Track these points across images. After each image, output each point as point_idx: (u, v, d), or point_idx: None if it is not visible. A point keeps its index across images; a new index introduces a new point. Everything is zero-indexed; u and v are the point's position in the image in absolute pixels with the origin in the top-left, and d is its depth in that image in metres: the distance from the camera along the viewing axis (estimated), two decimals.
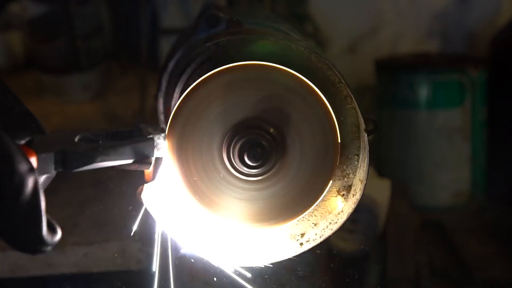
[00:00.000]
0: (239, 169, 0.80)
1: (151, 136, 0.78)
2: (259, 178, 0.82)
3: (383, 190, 1.94)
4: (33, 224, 0.65)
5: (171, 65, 1.11)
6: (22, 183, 0.63)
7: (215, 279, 0.99)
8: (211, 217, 0.84)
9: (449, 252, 1.86)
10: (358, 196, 0.86)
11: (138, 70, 2.24)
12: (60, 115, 2.27)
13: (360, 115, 0.85)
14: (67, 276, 1.51)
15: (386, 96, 2.27)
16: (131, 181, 1.69)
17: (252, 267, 0.89)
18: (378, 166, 2.26)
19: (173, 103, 0.98)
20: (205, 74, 0.81)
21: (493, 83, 2.26)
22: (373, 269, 1.67)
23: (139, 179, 0.85)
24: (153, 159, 0.79)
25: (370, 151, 0.85)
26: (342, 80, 0.84)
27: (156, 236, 1.27)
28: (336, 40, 2.58)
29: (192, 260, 0.87)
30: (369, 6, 2.65)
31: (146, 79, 2.13)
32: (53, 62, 2.35)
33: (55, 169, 0.70)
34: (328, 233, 0.87)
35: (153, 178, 0.84)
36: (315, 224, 0.87)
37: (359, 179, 0.86)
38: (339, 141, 0.83)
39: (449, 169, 2.21)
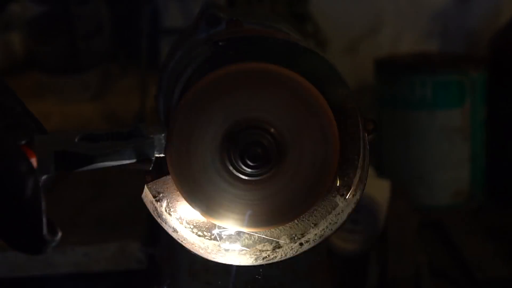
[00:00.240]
0: (240, 169, 0.80)
1: (151, 136, 0.78)
2: (260, 178, 0.82)
3: (383, 190, 1.94)
4: (33, 225, 0.65)
5: (171, 65, 1.11)
6: (22, 184, 0.63)
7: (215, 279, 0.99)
8: (211, 217, 0.84)
9: (449, 252, 1.85)
10: (358, 196, 0.86)
11: (138, 70, 2.24)
12: (60, 115, 2.27)
13: (360, 115, 0.85)
14: (67, 276, 1.51)
15: (386, 96, 2.27)
16: (131, 181, 1.69)
17: (252, 267, 0.89)
18: (378, 166, 2.26)
19: (173, 103, 0.98)
20: (205, 74, 0.81)
21: (493, 83, 2.25)
22: (373, 269, 1.67)
23: (139, 179, 0.85)
24: (153, 159, 0.79)
25: (370, 151, 0.85)
26: (342, 80, 0.84)
27: (156, 236, 1.27)
28: (336, 40, 2.57)
29: (192, 259, 0.87)
30: (369, 6, 2.65)
31: (146, 79, 2.13)
32: (53, 62, 2.35)
33: (55, 169, 0.70)
34: (328, 233, 0.87)
35: (153, 178, 0.84)
36: (315, 224, 0.88)
37: (359, 179, 0.86)
38: (339, 141, 0.83)
39: (449, 169, 2.21)
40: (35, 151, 0.68)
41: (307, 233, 0.88)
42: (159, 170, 0.83)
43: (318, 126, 0.81)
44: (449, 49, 2.66)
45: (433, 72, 2.16)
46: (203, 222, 0.86)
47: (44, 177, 0.70)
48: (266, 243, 0.88)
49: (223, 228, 0.86)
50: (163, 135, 0.79)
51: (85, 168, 0.72)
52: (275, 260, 0.87)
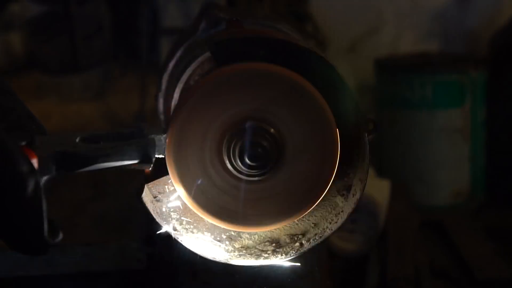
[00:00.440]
0: (240, 169, 0.80)
1: (151, 136, 0.78)
2: (260, 178, 0.82)
3: (383, 190, 1.94)
4: (35, 226, 0.65)
5: (171, 65, 1.11)
6: (23, 185, 0.63)
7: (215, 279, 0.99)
8: (211, 217, 0.84)
9: (449, 252, 1.85)
10: (358, 196, 0.86)
11: (138, 70, 2.25)
12: (60, 115, 2.27)
13: (360, 115, 0.85)
14: (67, 276, 1.51)
15: (386, 96, 2.27)
16: (131, 181, 1.69)
17: (252, 267, 0.89)
18: (378, 166, 2.26)
19: (173, 103, 0.98)
20: (205, 74, 0.81)
21: (493, 83, 2.25)
22: (373, 269, 1.67)
23: (139, 179, 0.85)
24: (153, 159, 0.79)
25: (370, 151, 0.85)
26: (342, 80, 0.84)
27: (156, 236, 1.26)
28: (336, 40, 2.57)
29: (192, 259, 0.87)
30: (369, 6, 2.65)
31: (146, 79, 2.13)
32: (53, 62, 2.36)
33: (56, 170, 0.70)
34: (328, 233, 0.87)
35: (153, 178, 0.84)
36: (315, 224, 0.88)
37: (359, 179, 0.86)
38: (339, 141, 0.83)
39: (449, 169, 2.21)
40: (36, 152, 0.68)
41: (307, 233, 0.88)
42: (159, 170, 0.83)
43: (318, 126, 0.81)
44: (449, 49, 2.66)
45: (433, 72, 2.16)
46: (203, 222, 0.86)
47: (45, 177, 0.70)
48: (266, 243, 0.88)
49: (223, 228, 0.86)
50: (163, 135, 0.79)
51: (86, 169, 0.72)
52: (276, 260, 0.87)
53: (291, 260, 0.87)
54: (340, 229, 0.87)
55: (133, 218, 1.51)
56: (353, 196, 0.86)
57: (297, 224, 0.87)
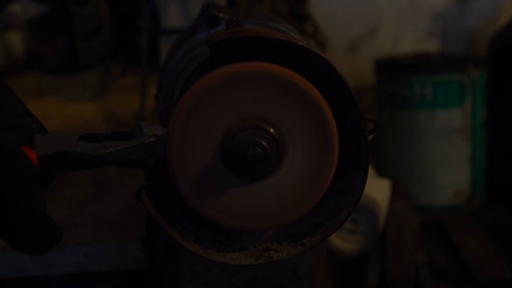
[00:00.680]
0: (239, 169, 0.80)
1: (152, 135, 0.78)
2: (259, 178, 0.82)
3: (383, 190, 1.94)
4: (35, 225, 0.65)
5: (171, 65, 1.11)
6: (24, 184, 0.63)
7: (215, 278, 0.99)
8: (211, 217, 0.84)
9: (449, 252, 1.85)
10: (358, 196, 0.86)
11: (138, 70, 2.24)
12: (60, 115, 2.27)
13: (360, 115, 0.85)
14: (67, 276, 1.51)
15: (386, 96, 2.27)
16: (131, 181, 1.69)
17: (253, 267, 0.89)
18: (378, 166, 2.26)
19: (173, 103, 0.98)
20: (205, 74, 0.81)
21: (493, 83, 2.25)
22: (373, 269, 1.67)
23: (139, 179, 0.85)
24: (153, 159, 0.79)
25: (370, 151, 0.85)
26: (342, 80, 0.84)
27: (156, 236, 1.27)
28: (336, 40, 2.58)
29: (192, 259, 0.87)
30: (369, 6, 2.65)
31: (146, 79, 2.13)
32: (53, 62, 2.36)
33: (56, 169, 0.70)
34: (328, 233, 0.87)
35: (153, 177, 0.84)
36: (315, 224, 0.88)
37: (359, 179, 0.86)
38: (339, 141, 0.83)
39: (449, 169, 2.21)
40: (36, 151, 0.68)
41: (307, 233, 0.88)
42: (159, 170, 0.83)
43: (318, 126, 0.81)
44: (449, 49, 2.66)
45: (433, 72, 2.16)
46: (203, 222, 0.86)
47: (44, 177, 0.70)
48: (266, 243, 0.88)
49: (223, 228, 0.86)
50: (163, 134, 0.80)
51: (86, 169, 0.73)
52: (276, 260, 0.87)
53: (290, 260, 0.88)
54: (340, 229, 0.87)
55: (133, 218, 1.50)
56: (353, 196, 0.86)
57: (297, 224, 0.87)
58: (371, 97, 2.52)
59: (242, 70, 0.80)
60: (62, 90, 2.37)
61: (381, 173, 2.18)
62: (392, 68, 2.24)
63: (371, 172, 0.87)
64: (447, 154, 2.20)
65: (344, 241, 1.84)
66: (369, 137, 0.85)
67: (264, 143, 0.79)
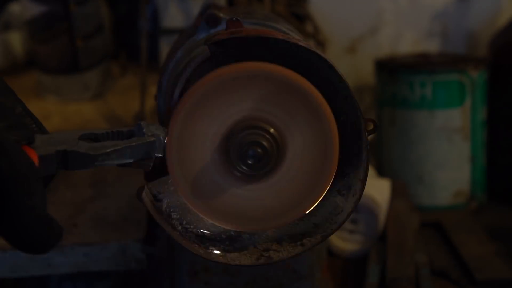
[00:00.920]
0: (239, 169, 0.80)
1: (151, 135, 0.78)
2: (259, 178, 0.82)
3: (383, 190, 1.94)
4: (36, 224, 0.65)
5: (171, 65, 1.11)
6: (24, 183, 0.63)
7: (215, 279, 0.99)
8: (211, 217, 0.84)
9: (449, 252, 1.85)
10: (358, 196, 0.86)
11: (138, 70, 2.24)
12: (60, 115, 2.27)
13: (360, 115, 0.85)
14: (67, 276, 1.51)
15: (386, 96, 2.27)
16: (131, 181, 1.69)
17: (252, 267, 0.89)
18: (378, 166, 2.26)
19: (173, 103, 0.99)
20: (205, 74, 0.81)
21: (493, 83, 2.25)
22: (373, 269, 1.67)
23: (139, 179, 0.85)
24: (153, 158, 0.79)
25: (370, 151, 0.85)
26: (342, 80, 0.84)
27: (156, 236, 1.27)
28: (336, 40, 2.57)
29: (192, 259, 0.87)
30: (369, 6, 2.64)
31: (146, 79, 2.13)
32: (53, 62, 2.35)
33: (57, 169, 0.71)
34: (328, 233, 0.87)
35: (153, 178, 0.84)
36: (315, 224, 0.88)
37: (359, 179, 0.86)
38: (339, 141, 0.83)
39: (449, 169, 2.21)
40: (37, 150, 0.68)
41: (307, 233, 0.88)
42: (159, 170, 0.83)
43: (318, 126, 0.81)
44: (449, 49, 2.66)
45: (433, 72, 2.16)
46: (203, 222, 0.86)
47: (45, 176, 0.70)
48: (266, 243, 0.88)
49: (223, 228, 0.86)
50: (163, 134, 0.80)
51: (86, 168, 0.73)
52: (276, 260, 0.87)
53: (290, 260, 0.88)
54: (340, 229, 0.87)
55: (133, 218, 1.50)
56: (353, 196, 0.86)
57: (297, 224, 0.88)
58: (371, 97, 2.52)
59: (242, 70, 0.80)
60: (62, 90, 2.37)
61: (381, 173, 2.18)
62: (392, 68, 2.24)
63: (371, 172, 0.87)
64: (447, 154, 2.20)
65: (344, 241, 1.84)
66: (369, 137, 0.85)
67: (264, 143, 0.79)
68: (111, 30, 2.57)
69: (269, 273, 1.30)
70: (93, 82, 2.39)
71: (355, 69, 2.61)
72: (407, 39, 2.68)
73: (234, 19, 0.89)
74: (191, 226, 0.86)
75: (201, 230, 0.87)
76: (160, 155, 0.80)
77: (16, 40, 2.61)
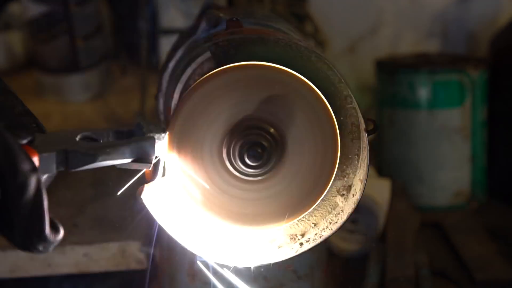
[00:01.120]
0: (239, 169, 0.80)
1: (151, 135, 0.78)
2: (259, 178, 0.82)
3: (383, 190, 1.94)
4: (36, 223, 0.65)
5: (171, 65, 1.11)
6: (25, 183, 0.63)
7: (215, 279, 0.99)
8: (211, 217, 0.84)
9: (449, 252, 1.85)
10: (358, 196, 0.86)
11: (138, 70, 2.24)
12: (60, 115, 2.27)
13: (360, 115, 0.85)
14: (67, 276, 1.51)
15: (386, 96, 2.27)
16: (131, 180, 1.68)
17: (252, 267, 0.89)
18: (378, 166, 2.26)
19: (173, 103, 0.98)
20: (205, 74, 0.81)
21: (493, 83, 2.25)
22: (373, 269, 1.67)
23: (139, 179, 0.85)
24: (153, 158, 0.79)
25: (370, 151, 0.85)
26: (342, 80, 0.84)
27: (155, 235, 1.26)
28: (336, 40, 2.57)
29: (192, 259, 0.87)
30: (369, 6, 2.65)
31: (146, 79, 2.13)
32: (53, 62, 2.35)
33: (57, 168, 0.70)
34: (328, 233, 0.87)
35: (153, 178, 0.84)
36: (315, 224, 0.88)
37: (359, 179, 0.86)
38: (339, 141, 0.83)
39: (449, 169, 2.21)
40: (37, 150, 0.68)
41: (307, 233, 0.88)
42: (159, 170, 0.83)
43: (318, 126, 0.81)
44: (449, 49, 2.66)
45: (433, 72, 2.16)
46: (203, 221, 0.86)
47: (45, 176, 0.70)
48: (266, 243, 0.88)
49: (223, 228, 0.86)
50: (163, 134, 0.79)
51: (86, 168, 0.73)
52: (276, 260, 0.87)
53: (290, 260, 0.88)
54: (340, 229, 0.87)
55: (133, 218, 1.51)
56: (353, 196, 0.86)
57: (297, 224, 0.87)
58: (371, 97, 2.52)
59: (242, 70, 0.80)
60: (62, 90, 2.37)
61: (381, 173, 2.18)
62: (392, 68, 2.24)
63: (371, 172, 0.87)
64: (447, 154, 2.20)
65: (344, 241, 1.84)
66: (369, 137, 0.85)
67: (265, 143, 0.79)
68: (111, 30, 2.57)
69: (269, 273, 1.30)
70: (93, 82, 2.39)
71: (355, 69, 2.61)
72: (407, 39, 2.68)
73: (234, 19, 0.89)
74: (191, 226, 0.86)
75: (201, 230, 0.87)
76: (160, 154, 0.80)
77: (16, 40, 2.61)
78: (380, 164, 2.28)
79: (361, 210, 1.82)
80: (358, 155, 0.86)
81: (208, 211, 0.83)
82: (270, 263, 0.87)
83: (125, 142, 0.75)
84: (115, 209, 1.57)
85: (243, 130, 0.80)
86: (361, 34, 2.67)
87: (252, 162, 0.79)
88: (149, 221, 1.40)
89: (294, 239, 0.88)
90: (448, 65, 2.19)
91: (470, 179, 2.22)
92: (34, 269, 1.42)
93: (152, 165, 0.79)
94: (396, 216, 1.90)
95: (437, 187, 2.20)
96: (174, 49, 1.18)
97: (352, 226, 1.84)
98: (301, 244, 0.87)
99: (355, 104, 0.85)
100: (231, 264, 0.87)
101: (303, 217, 0.86)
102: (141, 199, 0.84)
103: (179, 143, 0.80)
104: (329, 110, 0.81)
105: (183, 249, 0.87)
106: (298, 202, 0.83)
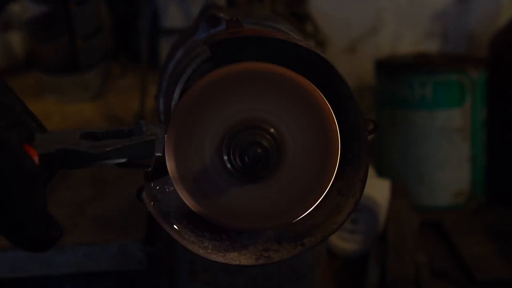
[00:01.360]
0: (239, 169, 0.80)
1: (151, 134, 0.78)
2: (260, 178, 0.82)
3: (383, 190, 1.94)
4: (37, 222, 0.65)
5: (171, 65, 1.11)
6: (25, 182, 0.63)
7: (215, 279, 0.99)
8: (211, 217, 0.84)
9: (449, 252, 1.86)
10: (358, 196, 0.86)
11: (138, 70, 2.24)
12: (60, 115, 2.27)
13: (360, 115, 0.85)
14: (67, 276, 1.51)
15: (386, 96, 2.27)
16: (131, 181, 1.69)
17: (252, 267, 0.89)
18: (378, 166, 2.26)
19: (173, 103, 0.98)
20: (205, 74, 0.81)
21: (493, 83, 2.25)
22: (373, 269, 1.67)
23: (139, 179, 0.85)
24: (153, 158, 0.79)
25: (370, 151, 0.85)
26: (342, 80, 0.84)
27: (156, 236, 1.27)
28: (336, 40, 2.58)
29: (192, 259, 0.87)
30: (369, 6, 2.65)
31: (146, 79, 2.13)
32: (53, 62, 2.35)
33: (57, 167, 0.71)
34: (328, 233, 0.87)
35: (153, 178, 0.84)
36: (315, 224, 0.88)
37: (359, 179, 0.86)
38: (339, 141, 0.83)
39: (449, 169, 2.21)
40: (37, 149, 0.68)
41: (307, 233, 0.88)
42: (159, 170, 0.83)
43: (318, 126, 0.81)
44: (449, 49, 2.66)
45: (433, 72, 2.17)
46: (204, 222, 0.86)
47: (45, 175, 0.70)
48: (266, 243, 0.88)
49: (224, 228, 0.86)
50: (163, 133, 0.79)
51: (86, 166, 0.73)
52: (276, 260, 0.87)
53: (290, 260, 0.87)
54: (340, 229, 0.87)
55: (133, 218, 1.51)
56: (353, 196, 0.86)
57: (297, 224, 0.87)
58: (371, 97, 2.52)
59: (242, 70, 0.80)
60: (62, 90, 2.37)
61: (381, 173, 2.18)
62: (392, 68, 2.24)
63: (371, 172, 0.87)
64: (447, 154, 2.20)
65: (344, 241, 1.84)
66: (369, 137, 0.85)
67: (265, 143, 0.79)
68: (111, 30, 2.56)
69: (269, 273, 1.30)
70: (93, 82, 2.39)
71: (355, 69, 2.61)
72: (407, 39, 2.68)
73: (234, 19, 0.89)
74: (191, 226, 0.86)
75: (201, 230, 0.87)
76: (159, 154, 0.80)
77: (16, 40, 2.61)
78: (380, 164, 2.28)
79: (361, 210, 1.82)
80: (358, 155, 0.86)
81: (208, 211, 0.83)
82: (270, 263, 0.87)
83: (125, 141, 0.75)
84: (115, 209, 1.57)
85: (243, 130, 0.80)
86: (361, 34, 2.67)
87: (252, 162, 0.79)
88: (149, 220, 1.40)
89: (294, 239, 0.88)
90: (448, 65, 2.19)
91: (470, 179, 2.22)
92: (34, 269, 1.42)
93: (151, 165, 0.79)
94: (396, 216, 1.90)
95: (437, 187, 2.20)
96: (174, 49, 1.18)
97: (352, 226, 1.84)
98: (301, 244, 0.87)
99: (355, 104, 0.85)
100: (231, 264, 0.87)
101: (303, 217, 0.86)
102: (141, 199, 0.84)
103: (178, 143, 0.80)
104: (329, 110, 0.81)
105: (183, 249, 0.87)
106: (299, 202, 0.83)
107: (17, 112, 0.73)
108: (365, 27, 2.66)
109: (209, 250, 0.86)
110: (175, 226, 0.86)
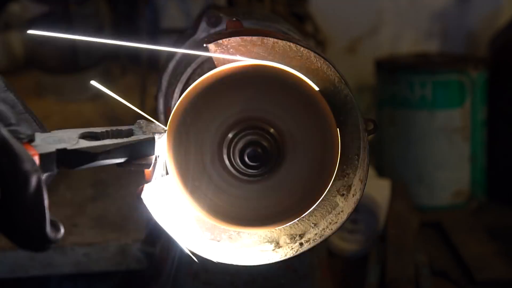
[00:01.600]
0: (239, 169, 0.80)
1: (151, 134, 0.78)
2: (259, 178, 0.82)
3: (383, 190, 1.94)
4: (37, 222, 0.65)
5: (171, 65, 1.11)
6: (26, 181, 0.63)
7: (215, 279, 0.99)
8: (211, 216, 0.84)
9: (449, 252, 1.85)
10: (358, 196, 0.86)
11: (138, 70, 2.24)
12: (60, 115, 2.27)
13: (360, 115, 0.85)
14: (67, 276, 1.51)
15: (386, 96, 2.27)
16: (131, 181, 1.69)
17: (252, 267, 0.89)
18: (378, 166, 2.26)
19: (173, 103, 0.98)
20: (205, 74, 0.81)
21: (493, 83, 2.25)
22: (373, 269, 1.67)
23: (139, 178, 0.85)
24: (153, 158, 0.79)
25: (370, 151, 0.85)
26: (342, 80, 0.84)
27: (156, 236, 1.27)
28: (336, 40, 2.58)
29: (192, 259, 0.87)
30: (369, 6, 2.65)
31: (146, 79, 2.13)
32: (53, 62, 2.35)
33: (57, 167, 0.70)
34: (328, 233, 0.87)
35: (153, 177, 0.84)
36: (315, 224, 0.88)
37: (359, 179, 0.86)
38: (339, 141, 0.83)
39: (449, 169, 2.21)
40: (37, 149, 0.68)
41: (307, 233, 0.87)
42: (159, 170, 0.83)
43: (318, 126, 0.81)
44: (449, 49, 2.66)
45: (433, 72, 2.16)
46: (204, 221, 0.86)
47: (46, 175, 0.70)
48: (266, 243, 0.88)
49: (224, 227, 0.86)
50: (163, 133, 0.79)
51: (86, 167, 0.73)
52: (276, 260, 0.87)
53: (290, 260, 0.87)
54: (340, 229, 0.87)
55: (133, 218, 1.51)
56: (353, 196, 0.86)
57: (297, 224, 0.87)
58: (371, 97, 2.52)
59: (242, 70, 0.80)
60: (62, 90, 2.37)
61: (381, 173, 2.18)
62: (392, 68, 2.24)
63: (371, 172, 0.87)
64: (447, 154, 2.20)
65: (344, 241, 1.84)
66: (369, 137, 0.85)
67: (264, 143, 0.79)
68: (111, 30, 2.57)
69: (269, 273, 1.30)
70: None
71: (355, 69, 2.61)
72: (407, 39, 2.68)
73: (234, 19, 0.89)
74: (192, 226, 0.86)
75: (201, 230, 0.87)
76: (159, 154, 0.80)
77: (16, 40, 2.61)
78: (380, 164, 2.28)
79: (361, 210, 1.82)
80: (358, 155, 0.86)
81: (208, 211, 0.83)
82: (270, 263, 0.87)
83: (124, 141, 0.75)
84: (115, 209, 1.57)
85: (243, 130, 0.80)
86: (361, 34, 2.67)
87: (252, 162, 0.79)
88: (149, 220, 1.40)
89: (294, 239, 0.88)
90: (448, 65, 2.19)
91: (469, 179, 2.22)
92: (34, 269, 1.42)
93: (152, 164, 0.79)
94: (396, 216, 1.90)
95: (437, 187, 2.20)
96: None
97: (352, 226, 1.84)
98: (301, 244, 0.87)
99: (355, 104, 0.84)
100: (231, 264, 0.87)
101: (303, 217, 0.86)
102: (141, 199, 0.84)
103: (178, 143, 0.80)
104: (329, 110, 0.81)
105: (183, 249, 0.87)
106: (299, 202, 0.83)
107: (17, 112, 0.73)
108: (365, 27, 2.66)
109: (210, 250, 0.86)
110: (175, 226, 0.86)
